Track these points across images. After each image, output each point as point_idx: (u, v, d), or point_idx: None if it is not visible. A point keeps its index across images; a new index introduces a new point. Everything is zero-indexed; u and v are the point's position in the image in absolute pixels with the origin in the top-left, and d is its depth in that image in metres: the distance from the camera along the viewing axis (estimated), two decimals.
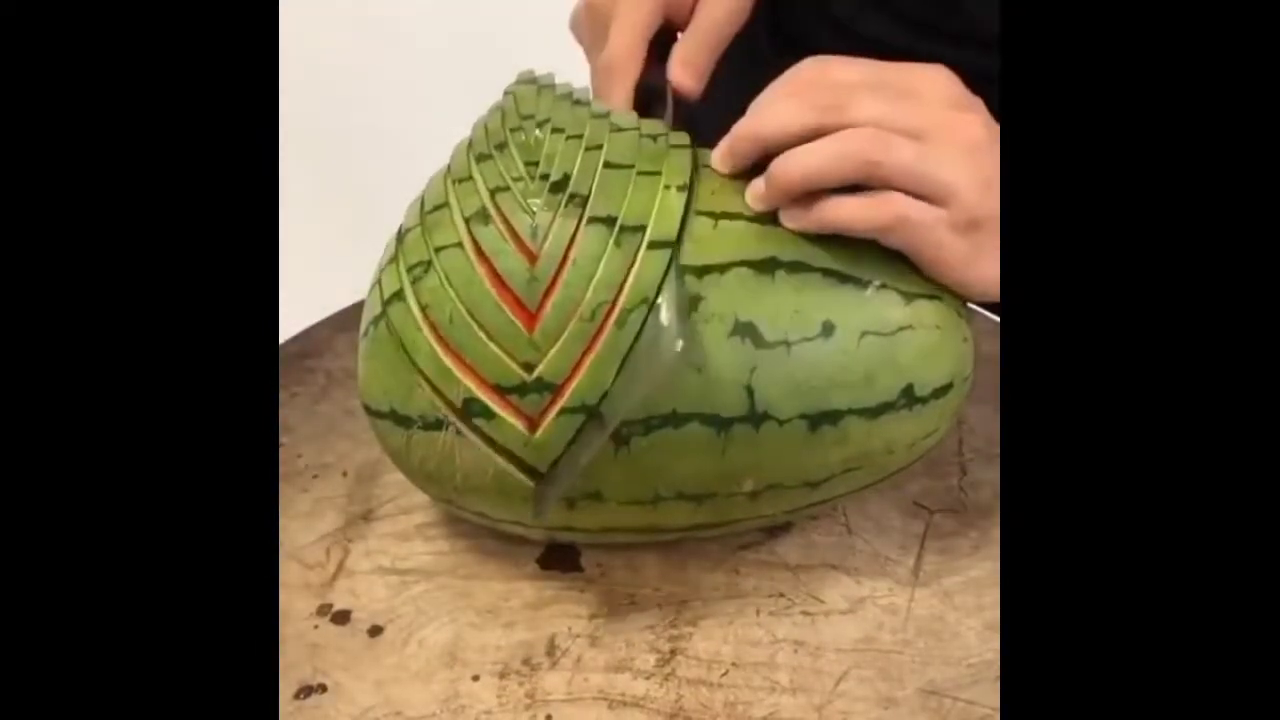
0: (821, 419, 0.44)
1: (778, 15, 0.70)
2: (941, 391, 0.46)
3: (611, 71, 0.52)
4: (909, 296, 0.45)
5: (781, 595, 0.51)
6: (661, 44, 0.54)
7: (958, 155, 0.43)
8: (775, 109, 0.44)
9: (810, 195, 0.44)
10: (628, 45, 0.52)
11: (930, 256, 0.44)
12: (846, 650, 0.48)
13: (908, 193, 0.43)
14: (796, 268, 0.44)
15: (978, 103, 0.45)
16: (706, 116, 0.52)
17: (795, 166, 0.43)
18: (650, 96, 0.52)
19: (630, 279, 0.43)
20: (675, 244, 0.43)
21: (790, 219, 0.44)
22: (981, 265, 0.44)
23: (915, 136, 0.43)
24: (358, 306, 0.69)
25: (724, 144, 0.46)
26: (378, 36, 1.69)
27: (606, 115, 0.48)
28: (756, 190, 0.45)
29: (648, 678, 0.47)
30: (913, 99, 0.44)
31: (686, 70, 0.52)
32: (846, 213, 0.43)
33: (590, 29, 0.55)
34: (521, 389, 0.44)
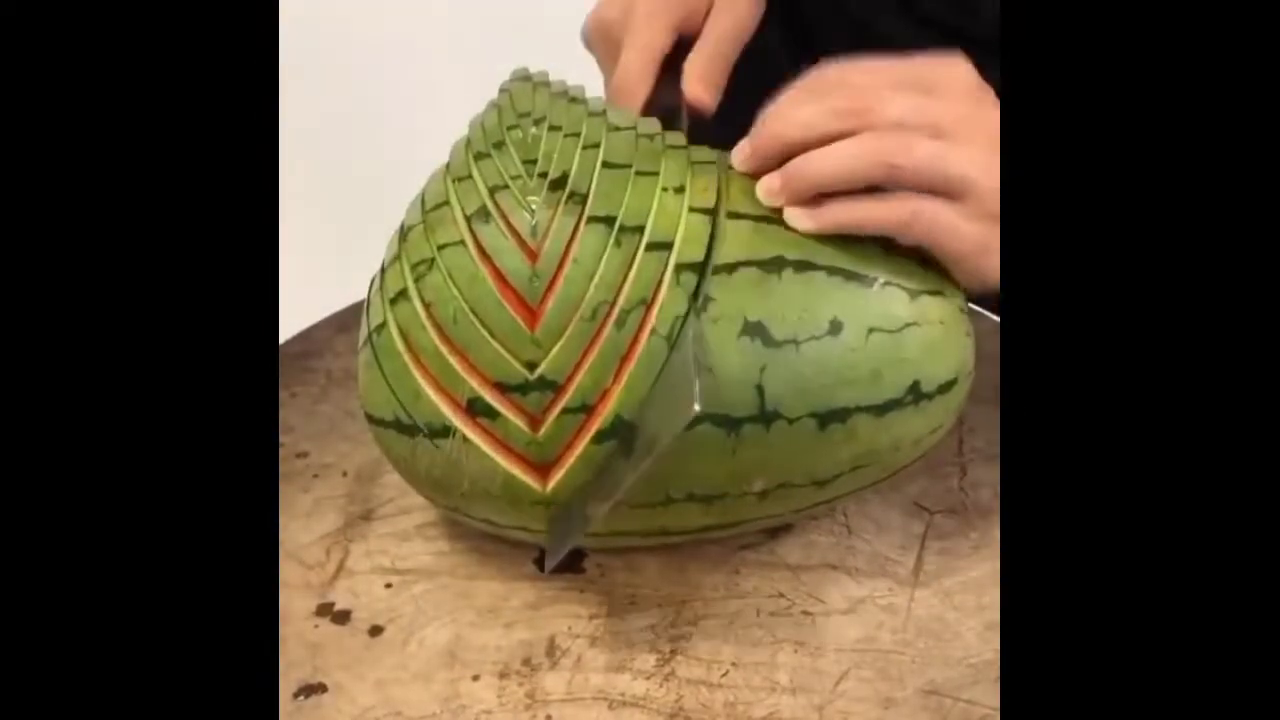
0: (831, 417, 0.44)
1: (791, 16, 0.70)
2: (947, 387, 0.46)
3: (622, 94, 0.52)
4: (913, 293, 0.45)
5: (781, 595, 0.51)
6: (674, 54, 0.54)
7: (976, 149, 0.43)
8: (799, 111, 0.45)
9: (820, 195, 0.44)
10: (639, 67, 0.52)
11: (951, 250, 0.44)
12: (846, 650, 0.48)
13: (926, 190, 0.43)
14: (802, 266, 0.44)
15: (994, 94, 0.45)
16: (718, 116, 0.52)
17: (814, 169, 0.43)
18: (666, 113, 0.52)
19: (629, 279, 0.43)
20: (695, 293, 0.43)
21: (799, 218, 0.44)
22: (998, 255, 0.44)
23: (936, 133, 0.43)
24: (358, 306, 0.69)
25: (746, 144, 0.46)
26: (377, 36, 1.69)
27: (603, 113, 0.48)
28: (771, 186, 0.45)
29: (648, 678, 0.47)
30: (935, 94, 0.44)
31: (701, 85, 0.52)
32: (863, 213, 0.43)
33: (601, 45, 0.55)
34: (524, 387, 0.44)
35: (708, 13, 0.54)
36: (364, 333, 0.48)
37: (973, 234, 0.44)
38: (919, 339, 0.45)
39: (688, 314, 0.43)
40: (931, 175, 0.42)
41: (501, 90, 0.53)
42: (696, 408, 0.39)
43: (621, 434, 0.43)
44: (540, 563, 0.53)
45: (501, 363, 0.44)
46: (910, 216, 0.43)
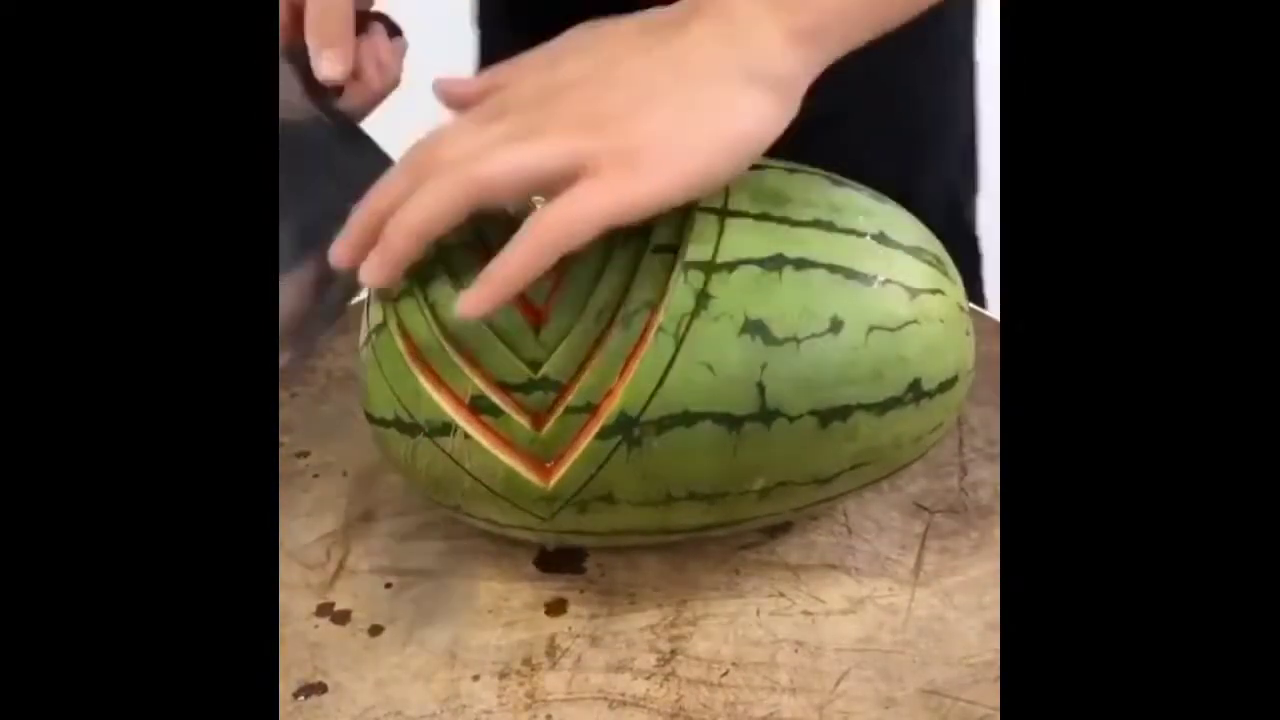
0: (831, 415, 0.44)
1: None
2: (947, 385, 0.46)
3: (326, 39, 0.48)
4: (913, 292, 0.45)
5: (782, 595, 0.51)
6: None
7: (565, 126, 0.41)
8: (386, 183, 0.43)
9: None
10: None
11: (609, 212, 0.40)
12: (847, 650, 0.48)
13: (528, 194, 0.41)
14: (803, 265, 0.44)
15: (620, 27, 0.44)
16: None
17: (404, 224, 0.41)
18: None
19: (636, 280, 0.43)
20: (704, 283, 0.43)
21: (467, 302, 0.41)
22: (651, 177, 0.40)
23: (519, 138, 0.41)
24: (358, 306, 0.69)
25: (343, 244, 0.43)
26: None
27: None
28: (369, 264, 0.42)
29: (648, 678, 0.47)
30: (557, 68, 0.43)
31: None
32: (515, 263, 0.40)
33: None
34: (527, 386, 0.44)
35: None
36: (364, 333, 0.48)
37: (619, 184, 0.40)
38: (919, 337, 0.45)
39: (695, 312, 0.43)
40: (523, 175, 0.40)
41: None
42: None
43: (625, 429, 0.43)
44: (540, 563, 0.53)
45: (506, 362, 0.44)
46: (554, 230, 0.40)
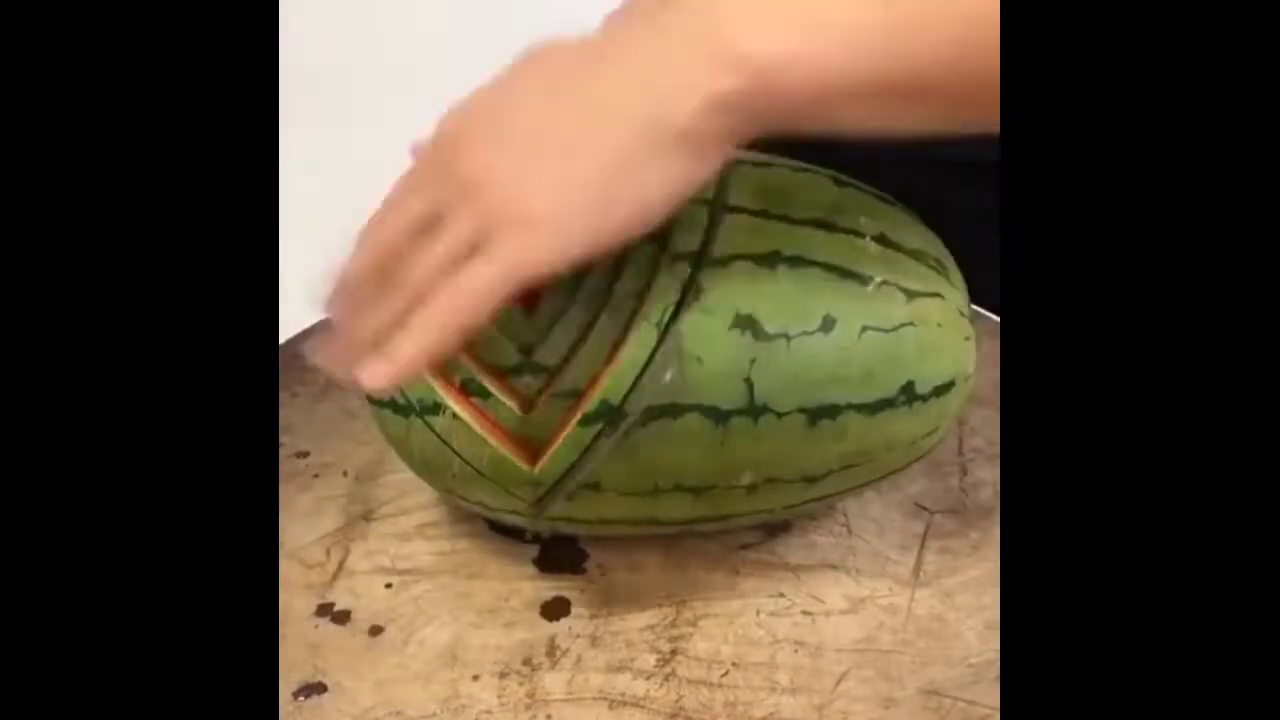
0: (820, 413, 0.44)
1: None
2: (943, 390, 0.46)
3: None
4: (911, 294, 0.45)
5: (782, 595, 0.51)
6: None
7: (464, 197, 0.39)
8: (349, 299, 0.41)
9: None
10: None
11: (498, 288, 0.38)
12: (847, 650, 0.48)
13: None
14: (798, 262, 0.44)
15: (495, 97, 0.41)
16: None
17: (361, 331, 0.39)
18: None
19: (625, 268, 0.44)
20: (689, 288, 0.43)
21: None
22: (540, 245, 0.38)
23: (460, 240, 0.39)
24: None
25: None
26: (377, 36, 1.69)
27: None
28: (375, 376, 0.40)
29: (648, 678, 0.47)
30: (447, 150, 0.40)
31: None
32: (417, 345, 0.39)
33: None
34: (518, 369, 0.44)
35: None
36: None
37: (515, 241, 0.38)
38: (915, 340, 0.45)
39: (680, 303, 0.43)
40: (476, 314, 0.38)
41: None
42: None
43: (607, 417, 0.43)
44: (540, 563, 0.53)
45: (498, 345, 0.44)
46: (434, 318, 0.38)
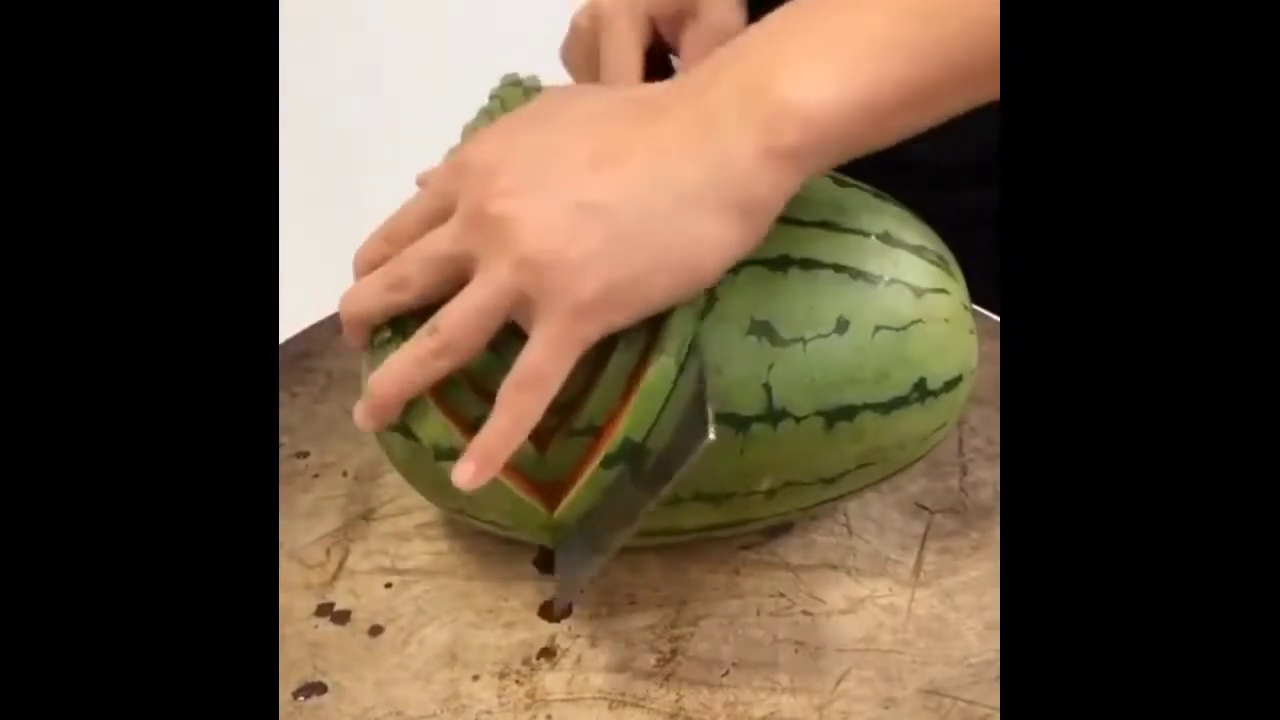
0: (838, 415, 0.44)
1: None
2: (952, 384, 0.47)
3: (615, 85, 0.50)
4: (919, 291, 0.45)
5: (782, 595, 0.51)
6: (653, 67, 0.53)
7: (503, 258, 0.39)
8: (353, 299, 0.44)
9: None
10: (621, 56, 0.50)
11: (564, 362, 0.40)
12: (847, 650, 0.48)
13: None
14: (808, 264, 0.44)
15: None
16: None
17: (381, 385, 0.42)
18: None
19: None
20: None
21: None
22: (596, 316, 0.39)
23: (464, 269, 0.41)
24: None
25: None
26: (376, 37, 1.69)
27: None
28: (360, 414, 0.43)
29: (648, 678, 0.47)
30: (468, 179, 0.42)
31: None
32: (499, 434, 0.40)
33: (578, 53, 0.53)
34: None
35: (682, 14, 0.52)
36: (373, 338, 0.48)
37: (551, 339, 0.39)
38: (925, 337, 0.45)
39: (696, 334, 0.42)
40: (476, 334, 0.41)
41: (492, 96, 0.53)
42: (711, 435, 0.38)
43: (630, 458, 0.41)
44: (540, 563, 0.53)
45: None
46: (510, 405, 0.40)
